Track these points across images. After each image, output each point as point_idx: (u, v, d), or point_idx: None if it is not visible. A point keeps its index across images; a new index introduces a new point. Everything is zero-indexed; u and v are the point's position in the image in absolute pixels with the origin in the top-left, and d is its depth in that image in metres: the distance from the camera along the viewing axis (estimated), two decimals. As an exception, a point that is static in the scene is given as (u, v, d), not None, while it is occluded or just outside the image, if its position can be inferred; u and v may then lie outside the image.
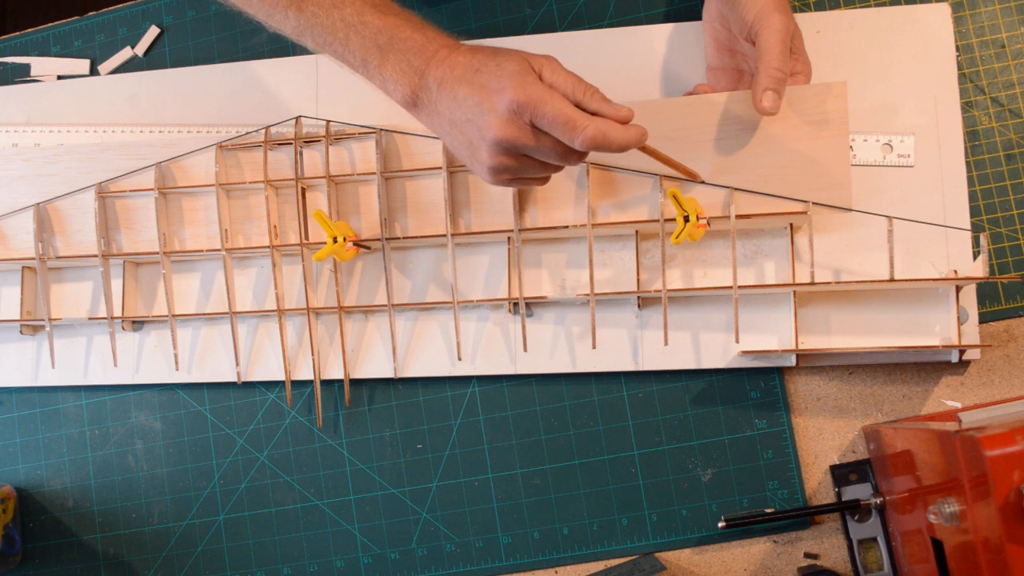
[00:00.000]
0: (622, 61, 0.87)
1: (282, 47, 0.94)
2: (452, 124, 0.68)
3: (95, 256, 0.89)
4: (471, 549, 0.87)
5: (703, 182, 0.80)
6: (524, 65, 0.65)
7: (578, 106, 0.66)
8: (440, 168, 0.84)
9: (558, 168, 0.71)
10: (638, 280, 0.83)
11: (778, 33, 0.72)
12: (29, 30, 1.00)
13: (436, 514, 0.88)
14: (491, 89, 0.65)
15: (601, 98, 0.66)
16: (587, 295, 0.82)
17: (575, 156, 0.67)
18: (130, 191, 0.89)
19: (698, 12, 0.83)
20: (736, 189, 0.79)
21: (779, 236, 0.83)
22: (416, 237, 0.85)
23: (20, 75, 0.99)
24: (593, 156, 0.81)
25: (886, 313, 0.81)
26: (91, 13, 1.00)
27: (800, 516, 0.81)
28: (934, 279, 0.77)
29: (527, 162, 0.68)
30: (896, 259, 0.79)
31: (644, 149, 0.72)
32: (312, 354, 0.87)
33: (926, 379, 0.83)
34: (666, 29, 0.86)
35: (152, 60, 0.98)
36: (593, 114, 0.65)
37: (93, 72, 0.98)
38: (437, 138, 0.83)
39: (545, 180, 0.74)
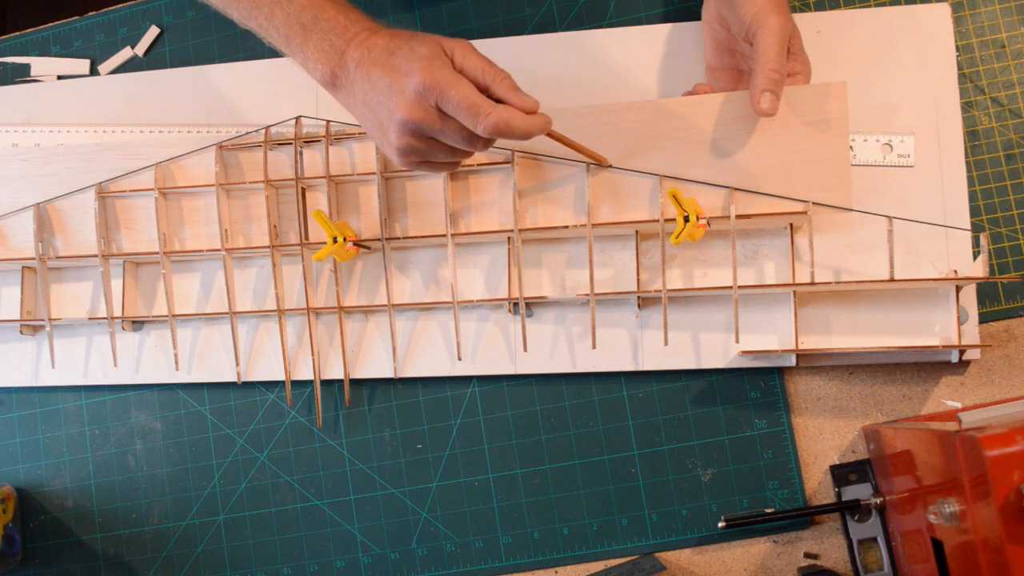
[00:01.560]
0: (622, 61, 0.87)
1: (282, 47, 0.94)
2: (366, 105, 0.70)
3: (95, 256, 0.89)
4: (471, 549, 0.87)
5: (611, 166, 0.81)
6: (436, 49, 0.67)
7: (486, 92, 0.67)
8: (440, 168, 0.84)
9: (467, 153, 0.72)
10: (638, 280, 0.83)
11: (776, 34, 0.73)
12: (29, 30, 1.00)
13: (436, 514, 0.88)
14: (402, 71, 0.66)
15: (509, 86, 0.67)
16: (587, 295, 0.82)
17: (480, 142, 0.68)
18: (130, 191, 0.89)
19: (697, 12, 0.83)
20: (736, 189, 0.79)
21: (779, 236, 0.83)
22: (416, 237, 0.85)
23: (20, 75, 0.99)
24: (604, 154, 0.81)
25: (886, 313, 0.81)
26: (91, 13, 1.00)
27: (800, 516, 0.81)
28: (934, 279, 0.77)
29: (434, 145, 0.70)
30: (896, 259, 0.79)
31: (550, 135, 0.73)
32: (312, 354, 0.87)
33: (926, 379, 0.83)
34: (665, 29, 0.86)
35: (152, 60, 0.98)
36: (500, 101, 0.66)
37: (93, 72, 0.98)
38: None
39: (454, 165, 0.75)
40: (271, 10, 0.72)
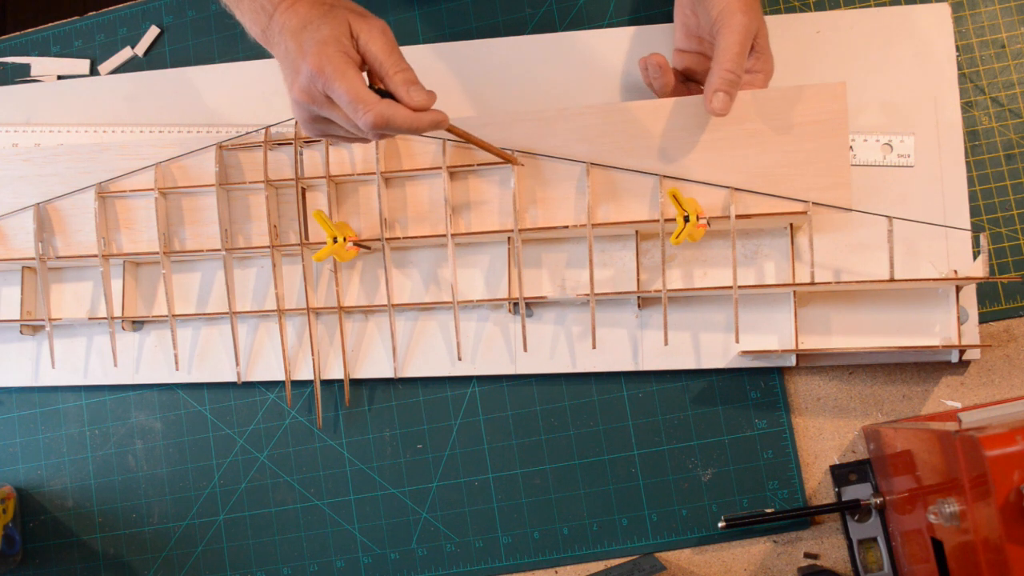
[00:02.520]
0: (622, 61, 0.87)
1: (282, 47, 0.94)
2: (283, 69, 0.71)
3: (95, 256, 0.89)
4: (471, 549, 0.87)
5: (521, 164, 0.81)
6: (340, 30, 0.67)
7: (382, 80, 0.68)
8: (440, 168, 0.84)
9: (364, 139, 0.72)
10: (638, 280, 0.83)
11: (737, 34, 0.73)
12: (29, 30, 1.00)
13: (436, 514, 0.88)
14: (303, 51, 0.67)
15: (402, 80, 0.68)
16: (587, 295, 0.82)
17: (368, 131, 0.68)
18: (130, 191, 0.89)
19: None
20: (736, 189, 0.79)
21: (779, 236, 0.83)
22: (416, 237, 0.85)
23: (20, 75, 0.99)
24: (593, 155, 0.81)
25: (886, 313, 0.81)
26: (91, 13, 1.00)
27: (800, 516, 0.81)
28: (934, 279, 0.77)
29: (328, 123, 0.71)
30: (896, 259, 0.79)
31: (452, 131, 0.74)
32: (312, 354, 0.87)
33: (926, 379, 0.83)
34: (665, 29, 0.86)
35: (152, 60, 0.98)
36: (392, 95, 0.67)
37: (93, 72, 0.98)
38: (438, 139, 0.83)
39: (363, 140, 0.74)
40: None
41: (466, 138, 0.77)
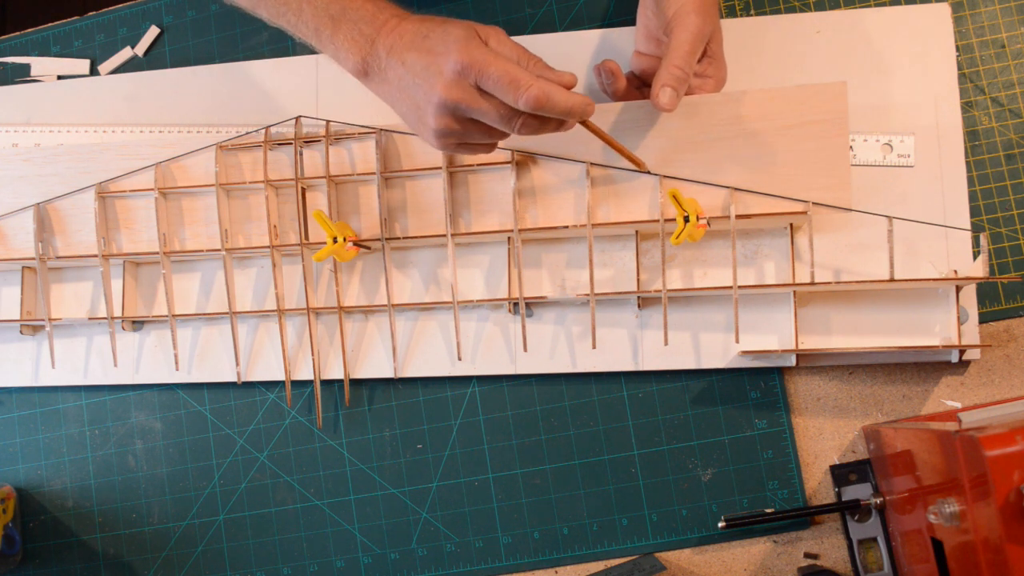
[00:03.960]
0: (622, 61, 0.87)
1: (282, 47, 0.94)
2: (400, 90, 0.69)
3: (95, 256, 0.89)
4: (471, 549, 0.87)
5: (648, 172, 0.80)
6: (471, 31, 0.67)
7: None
8: (440, 168, 0.84)
9: (503, 135, 0.71)
10: (638, 280, 0.83)
11: (689, 34, 0.73)
12: (29, 30, 1.00)
13: (436, 514, 0.88)
14: (438, 52, 0.66)
15: (544, 66, 0.68)
16: (587, 295, 0.82)
17: (519, 120, 0.67)
18: (130, 191, 0.89)
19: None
20: (736, 189, 0.79)
21: (779, 236, 0.83)
22: (416, 237, 0.85)
23: (20, 75, 0.99)
24: (593, 155, 0.81)
25: (886, 313, 0.81)
26: (91, 13, 1.00)
27: (800, 516, 0.81)
28: (934, 279, 0.77)
29: (472, 126, 0.69)
30: (896, 259, 0.79)
31: (586, 125, 0.72)
32: (312, 354, 0.87)
33: (926, 379, 0.83)
34: (666, 29, 0.86)
35: (152, 60, 0.98)
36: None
37: (93, 72, 0.98)
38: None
39: (491, 148, 0.74)
40: (299, 5, 0.72)
41: (601, 135, 0.75)
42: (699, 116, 0.79)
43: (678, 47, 0.73)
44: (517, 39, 0.88)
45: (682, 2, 0.73)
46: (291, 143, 0.87)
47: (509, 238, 0.85)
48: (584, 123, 0.71)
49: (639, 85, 0.82)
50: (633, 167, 0.80)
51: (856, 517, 0.81)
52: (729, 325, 0.83)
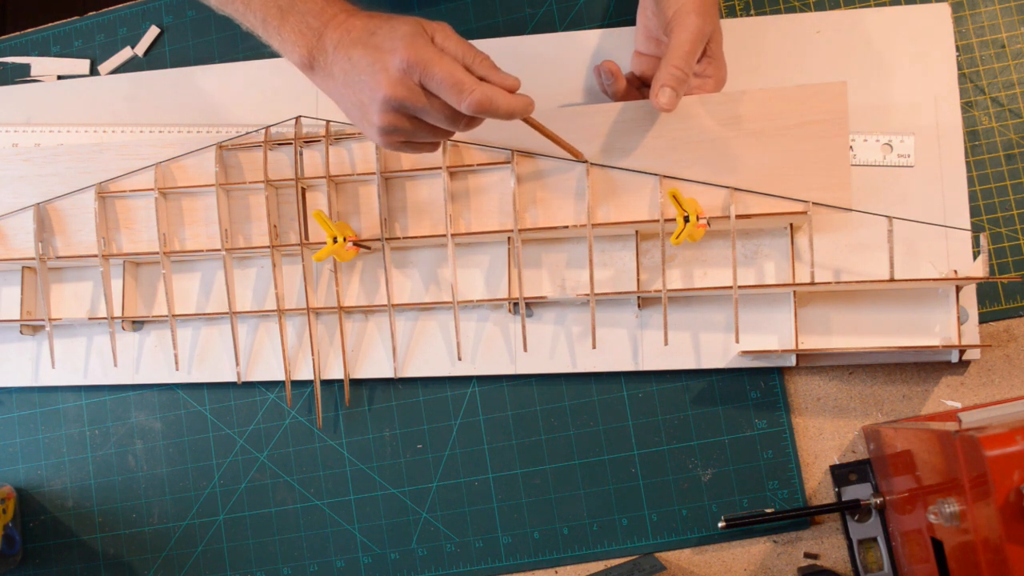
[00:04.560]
0: (622, 61, 0.87)
1: (282, 47, 0.94)
2: (346, 86, 0.69)
3: (95, 256, 0.89)
4: (471, 549, 0.87)
5: (586, 161, 0.81)
6: (418, 28, 0.67)
7: (468, 70, 0.67)
8: (440, 168, 0.84)
9: (448, 133, 0.71)
10: (638, 280, 0.83)
11: (689, 34, 0.73)
12: (29, 30, 1.00)
13: (436, 514, 0.88)
14: (384, 49, 0.66)
15: (490, 65, 0.67)
16: (587, 295, 0.82)
17: (463, 121, 0.68)
18: (130, 191, 0.89)
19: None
20: (736, 189, 0.79)
21: (779, 236, 0.83)
22: (416, 237, 0.85)
23: (20, 75, 0.99)
24: (593, 155, 0.81)
25: (886, 313, 0.81)
26: (91, 13, 1.00)
27: (800, 516, 0.81)
28: (934, 279, 0.77)
29: (417, 124, 0.69)
30: (896, 259, 0.79)
31: (529, 122, 0.73)
32: (312, 354, 0.87)
33: (926, 379, 0.83)
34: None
35: (152, 60, 0.98)
36: (481, 79, 0.66)
37: (93, 72, 0.98)
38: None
39: (435, 147, 0.74)
40: None
41: (541, 130, 0.76)
42: (699, 116, 0.79)
43: (678, 47, 0.73)
44: (517, 39, 0.89)
45: (682, 2, 0.73)
46: (291, 143, 0.87)
47: (509, 238, 0.85)
48: (525, 119, 0.72)
49: (639, 85, 0.82)
50: (572, 158, 0.81)
51: (856, 517, 0.81)
52: (729, 325, 0.83)
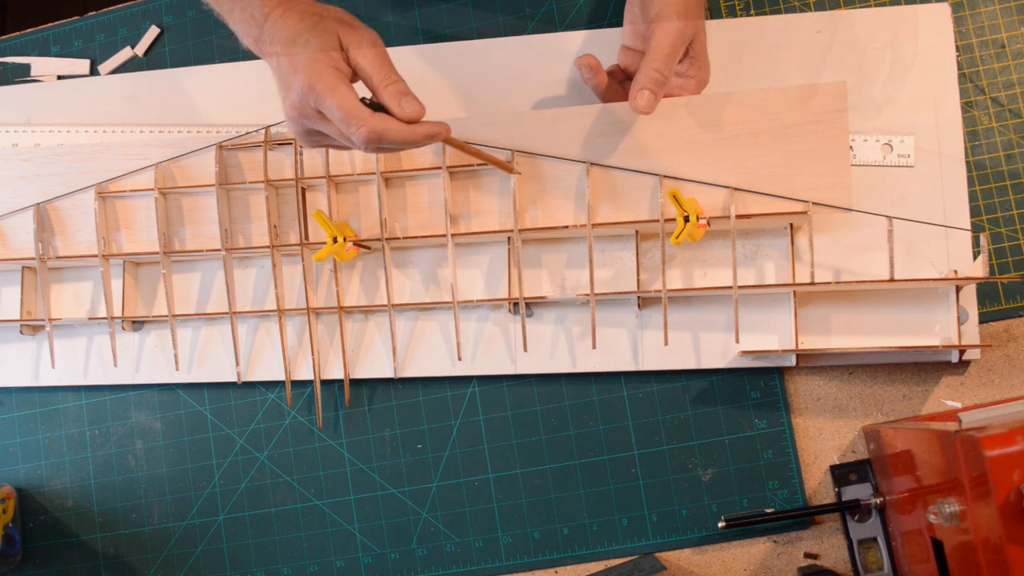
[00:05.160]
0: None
1: (282, 47, 0.94)
2: (276, 80, 0.71)
3: (95, 256, 0.89)
4: (471, 549, 0.87)
5: (519, 173, 0.81)
6: (329, 43, 0.67)
7: (374, 93, 0.67)
8: (440, 168, 0.84)
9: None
10: (638, 280, 0.83)
11: (670, 36, 0.73)
12: (29, 30, 1.00)
13: (436, 514, 0.88)
14: (294, 66, 0.67)
15: (396, 92, 0.67)
16: (587, 295, 0.82)
17: (360, 144, 0.68)
18: (130, 191, 0.89)
19: (698, 12, 0.83)
20: (736, 189, 0.79)
21: (779, 236, 0.83)
22: (416, 237, 0.85)
23: (20, 75, 0.99)
24: (593, 155, 0.81)
25: (886, 313, 0.81)
26: (91, 13, 1.00)
27: (800, 516, 0.81)
28: (934, 279, 0.77)
29: (321, 137, 0.71)
30: (896, 259, 0.79)
31: (450, 143, 0.73)
32: (312, 354, 0.87)
33: (926, 379, 0.83)
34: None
35: (152, 60, 0.98)
36: (384, 107, 0.67)
37: (93, 72, 0.98)
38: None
39: (350, 148, 0.74)
40: None
41: (464, 149, 0.76)
42: (699, 116, 0.79)
43: (658, 49, 0.73)
44: (517, 39, 0.89)
45: (665, 3, 0.73)
46: (291, 143, 0.87)
47: (509, 238, 0.85)
48: (447, 141, 0.71)
49: (623, 79, 0.82)
50: (505, 171, 0.81)
51: (856, 517, 0.81)
52: (729, 325, 0.83)
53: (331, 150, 0.86)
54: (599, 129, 0.81)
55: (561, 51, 0.88)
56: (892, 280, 0.77)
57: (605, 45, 0.87)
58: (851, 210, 0.78)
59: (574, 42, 0.88)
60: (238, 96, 0.93)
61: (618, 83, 0.82)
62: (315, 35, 0.67)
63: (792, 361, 0.81)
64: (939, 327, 0.80)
